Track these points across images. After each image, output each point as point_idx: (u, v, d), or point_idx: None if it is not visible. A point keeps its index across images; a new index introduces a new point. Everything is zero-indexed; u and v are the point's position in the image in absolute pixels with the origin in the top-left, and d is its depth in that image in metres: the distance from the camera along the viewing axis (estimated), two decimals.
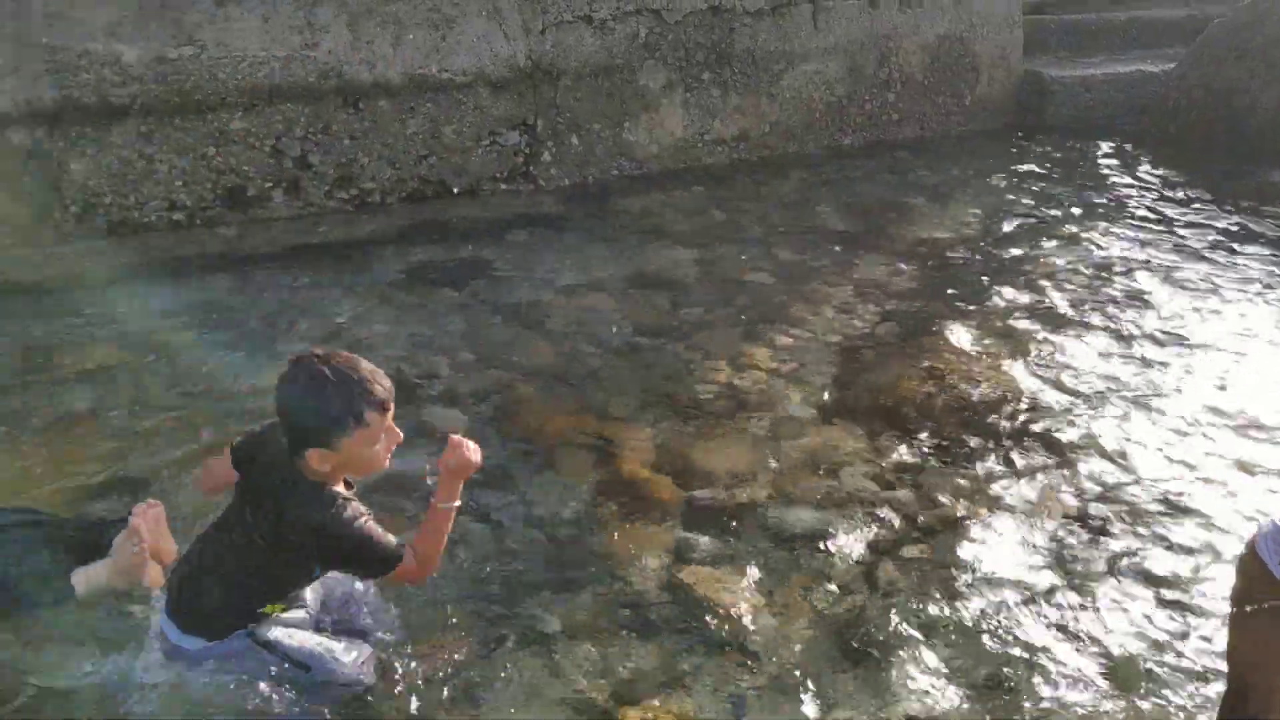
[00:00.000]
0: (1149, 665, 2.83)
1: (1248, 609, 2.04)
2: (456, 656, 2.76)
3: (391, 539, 2.45)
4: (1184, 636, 2.94)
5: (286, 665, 2.50)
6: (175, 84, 5.54)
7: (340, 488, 2.45)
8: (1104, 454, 3.83)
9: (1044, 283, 5.43)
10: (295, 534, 2.36)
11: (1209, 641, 2.89)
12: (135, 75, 5.46)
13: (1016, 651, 2.87)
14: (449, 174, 6.34)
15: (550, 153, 6.63)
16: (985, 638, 2.92)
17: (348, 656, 2.57)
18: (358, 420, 2.29)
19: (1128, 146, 8.05)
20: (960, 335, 4.81)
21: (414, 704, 2.62)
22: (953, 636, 2.92)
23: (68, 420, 3.91)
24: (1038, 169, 7.54)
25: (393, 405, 2.38)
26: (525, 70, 6.42)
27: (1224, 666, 2.30)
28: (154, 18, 5.44)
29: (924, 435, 3.97)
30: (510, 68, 6.37)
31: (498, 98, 6.38)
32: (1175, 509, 3.51)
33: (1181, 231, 6.23)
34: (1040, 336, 4.80)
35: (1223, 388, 4.33)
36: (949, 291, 5.33)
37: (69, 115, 5.39)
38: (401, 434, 2.45)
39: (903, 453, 3.85)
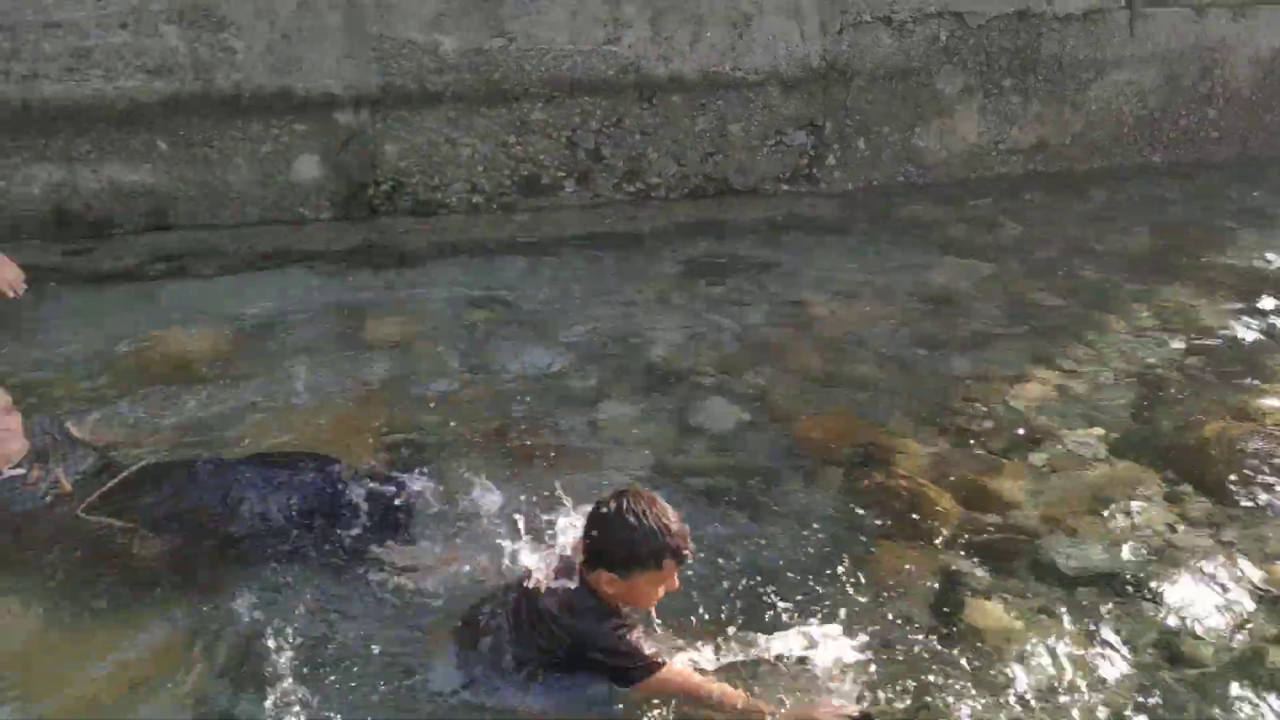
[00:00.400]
0: None
1: None
2: (705, 663, 2.75)
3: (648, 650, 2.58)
4: None
5: None
6: (485, 74, 5.86)
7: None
8: None
9: None
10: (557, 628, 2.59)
11: None
12: (451, 64, 5.81)
13: None
14: (732, 172, 6.37)
15: (835, 155, 6.53)
16: None
17: None
18: (657, 565, 2.55)
19: None
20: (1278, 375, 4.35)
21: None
22: None
23: (367, 386, 4.21)
24: None
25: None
26: (818, 70, 6.35)
27: None
28: (473, 10, 5.77)
29: (1231, 482, 3.60)
30: (803, 67, 6.32)
31: (788, 97, 6.34)
32: None
33: None
34: None
35: None
36: (1267, 326, 4.83)
37: (389, 100, 5.81)
38: (679, 585, 2.66)
39: (1206, 500, 3.51)
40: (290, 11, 5.56)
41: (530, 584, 2.67)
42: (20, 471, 3.20)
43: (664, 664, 2.58)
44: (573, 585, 2.64)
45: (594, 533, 2.57)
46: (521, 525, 3.03)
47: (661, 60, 6.09)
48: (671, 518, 2.57)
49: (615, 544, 2.53)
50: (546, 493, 3.29)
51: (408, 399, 4.10)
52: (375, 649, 2.76)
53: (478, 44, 5.82)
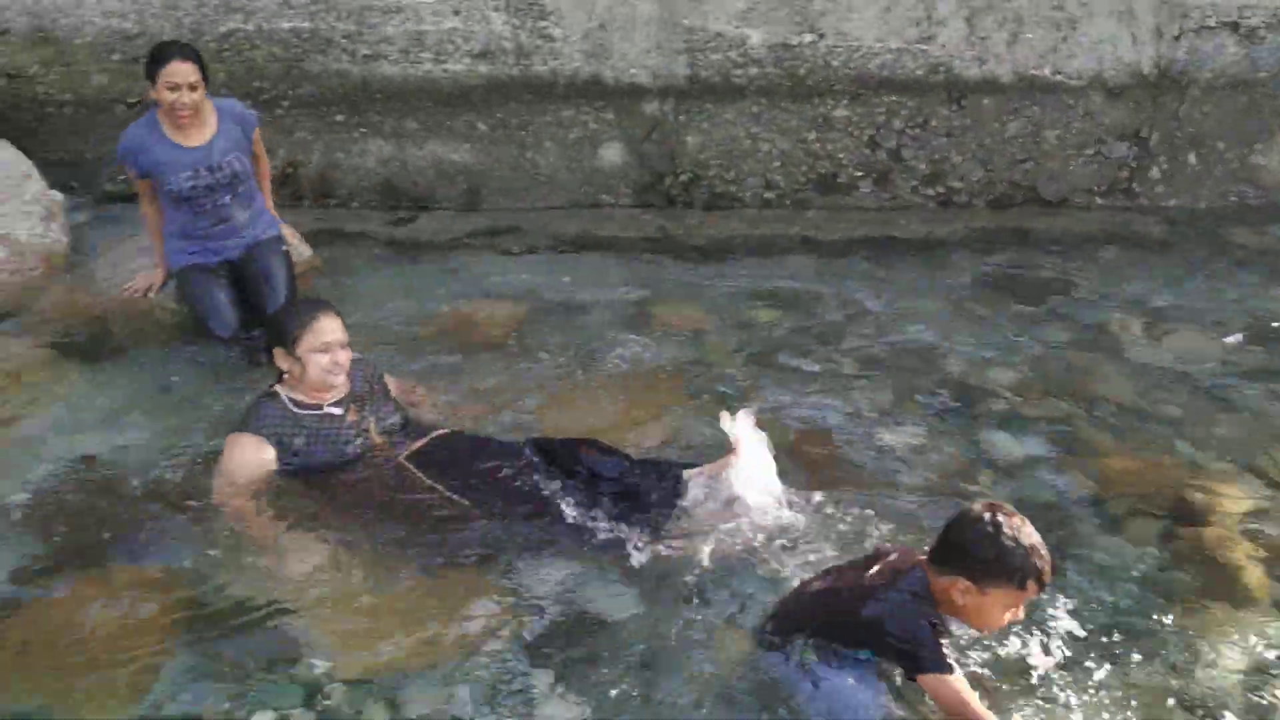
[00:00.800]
0: None
1: None
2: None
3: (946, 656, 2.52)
4: None
5: None
6: (790, 69, 5.81)
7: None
8: None
9: None
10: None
11: None
12: (756, 58, 5.80)
13: None
14: (1042, 181, 6.02)
15: (1160, 169, 6.03)
16: None
17: None
18: (1020, 584, 2.47)
19: None
20: None
21: None
22: None
23: (656, 371, 4.29)
24: None
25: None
26: (1148, 78, 5.88)
27: None
28: (783, 4, 5.73)
29: None
30: (1132, 74, 5.86)
31: (1111, 105, 5.91)
32: None
33: None
34: None
35: None
36: None
37: (694, 91, 5.88)
38: (1020, 617, 2.58)
39: None
40: (607, 2, 5.72)
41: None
42: (338, 411, 3.43)
43: (954, 668, 2.49)
44: (908, 570, 2.61)
45: (964, 537, 2.51)
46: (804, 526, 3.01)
47: (975, 60, 5.82)
48: (1043, 545, 2.49)
49: (985, 553, 2.46)
50: (829, 504, 3.24)
51: (691, 390, 4.15)
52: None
53: (785, 39, 5.78)
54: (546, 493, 3.21)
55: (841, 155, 5.94)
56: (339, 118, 5.95)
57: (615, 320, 4.75)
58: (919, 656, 2.50)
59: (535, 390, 4.13)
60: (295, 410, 3.38)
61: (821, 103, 5.86)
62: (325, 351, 3.33)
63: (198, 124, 4.45)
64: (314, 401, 3.40)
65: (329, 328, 3.36)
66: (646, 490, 3.21)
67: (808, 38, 5.77)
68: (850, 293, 5.02)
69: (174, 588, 3.04)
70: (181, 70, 4.31)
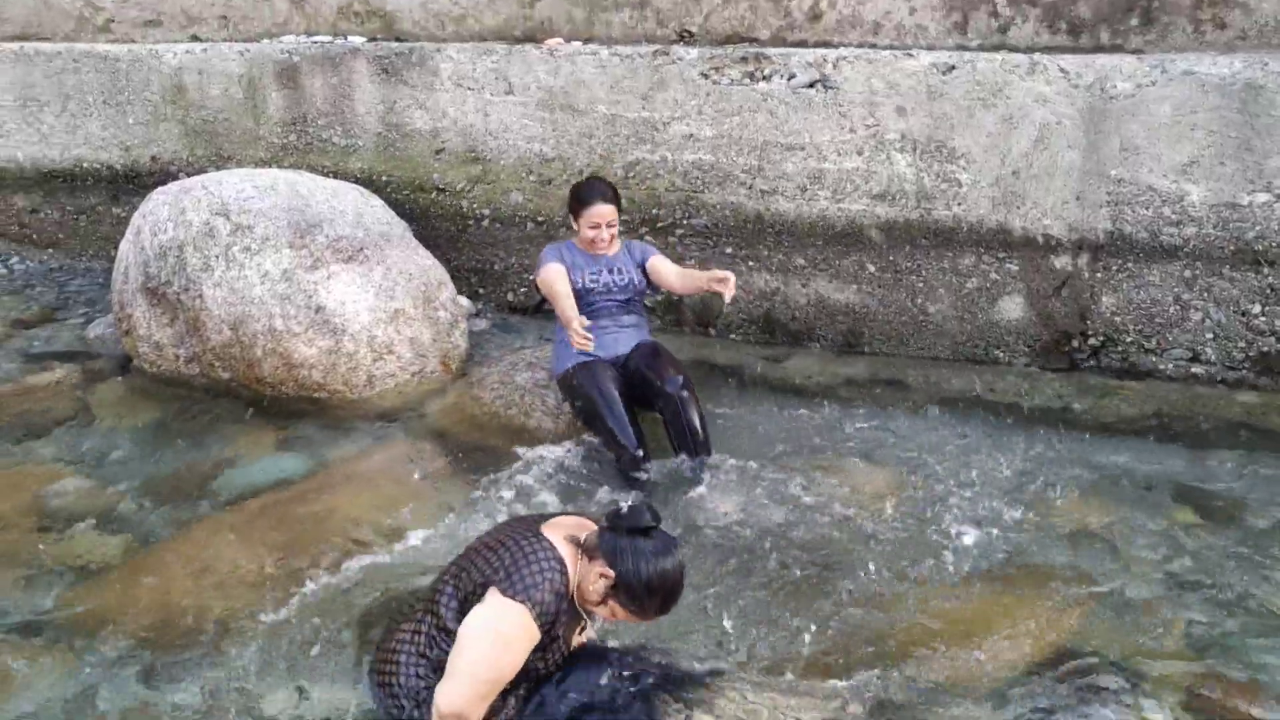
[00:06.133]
0: None
1: None
2: None
3: None
4: None
5: None
6: (1235, 230, 5.08)
7: None
8: None
9: None
10: None
11: None
12: (1194, 216, 5.14)
13: None
14: None
15: None
16: None
17: None
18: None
19: None
20: None
21: None
22: None
23: (1048, 577, 3.75)
24: None
25: None
26: None
27: None
28: (1232, 159, 5.05)
29: None
30: None
31: None
32: None
33: None
34: None
35: None
36: None
37: (1114, 248, 5.30)
38: None
39: None
40: (1024, 149, 5.31)
41: None
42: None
43: None
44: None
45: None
46: None
47: None
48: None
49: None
50: None
51: (1098, 604, 3.58)
52: None
53: (1232, 197, 5.08)
54: None
55: None
56: (728, 250, 5.93)
57: (1006, 504, 4.23)
58: None
59: (898, 588, 3.73)
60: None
61: (1273, 271, 5.07)
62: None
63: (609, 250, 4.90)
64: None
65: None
66: None
67: (1261, 197, 5.03)
68: None
69: None
70: (605, 212, 4.76)
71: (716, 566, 3.83)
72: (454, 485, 4.42)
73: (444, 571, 3.03)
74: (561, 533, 2.94)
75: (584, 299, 4.73)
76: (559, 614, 2.83)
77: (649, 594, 2.81)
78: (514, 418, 4.93)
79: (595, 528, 2.95)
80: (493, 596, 2.78)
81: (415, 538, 4.00)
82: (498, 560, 2.85)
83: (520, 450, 4.62)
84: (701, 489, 4.31)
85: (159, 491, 4.38)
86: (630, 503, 2.94)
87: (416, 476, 4.48)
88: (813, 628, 3.46)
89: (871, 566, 3.80)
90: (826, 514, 4.16)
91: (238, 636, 3.44)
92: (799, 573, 3.78)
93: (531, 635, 2.78)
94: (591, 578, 2.84)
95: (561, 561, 2.85)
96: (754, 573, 3.78)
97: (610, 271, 4.83)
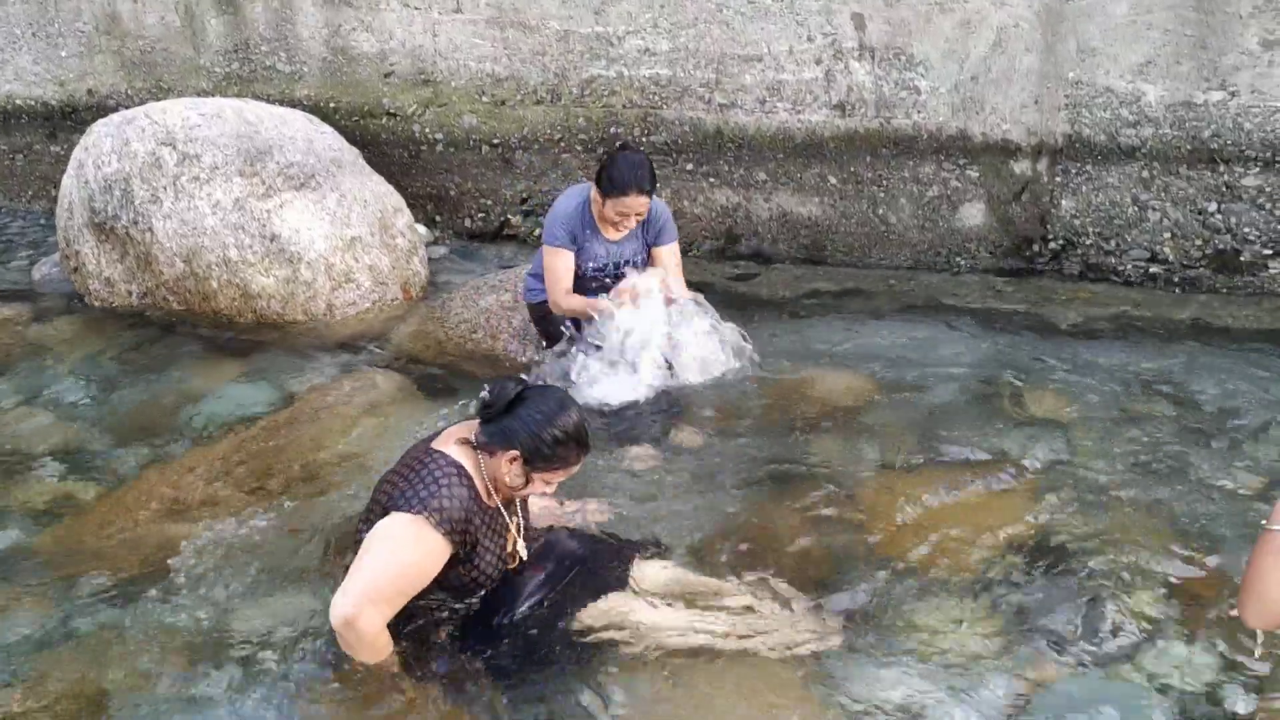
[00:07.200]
0: None
1: None
2: None
3: None
4: None
5: None
6: (1192, 129, 5.12)
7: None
8: None
9: None
10: None
11: None
12: (1151, 117, 5.16)
13: None
14: None
15: None
16: None
17: None
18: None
19: None
20: None
21: None
22: None
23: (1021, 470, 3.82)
24: None
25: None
26: None
27: None
28: (1188, 58, 5.06)
29: None
30: None
31: None
32: None
33: None
34: None
35: None
36: None
37: (1072, 151, 5.31)
38: None
39: None
40: (982, 53, 5.29)
41: None
42: None
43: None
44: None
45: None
46: None
47: None
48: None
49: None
50: None
51: (1064, 492, 3.65)
52: None
53: (1188, 96, 5.10)
54: None
55: (1248, 230, 5.15)
56: (689, 167, 5.88)
57: (966, 402, 4.30)
58: None
59: (868, 480, 3.78)
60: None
61: (1228, 170, 5.12)
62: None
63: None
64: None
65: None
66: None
67: (1217, 96, 5.06)
68: (1246, 395, 4.28)
69: None
70: (638, 204, 4.26)
71: (692, 481, 3.84)
72: (426, 413, 4.38)
73: (360, 516, 3.01)
74: (452, 441, 2.88)
75: (581, 279, 4.46)
76: (469, 518, 2.77)
77: (561, 447, 2.80)
78: (480, 341, 4.88)
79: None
80: (391, 515, 2.75)
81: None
82: (395, 488, 2.80)
83: (490, 374, 4.58)
84: (673, 402, 4.31)
85: (124, 427, 4.30)
86: (488, 388, 2.86)
87: (387, 404, 4.44)
88: (787, 534, 3.49)
89: (841, 468, 3.83)
90: (797, 418, 4.20)
91: (210, 568, 3.40)
92: (771, 477, 3.81)
93: (433, 543, 2.72)
94: (504, 469, 2.79)
95: (458, 466, 2.79)
96: (726, 485, 3.79)
97: (618, 257, 4.49)
